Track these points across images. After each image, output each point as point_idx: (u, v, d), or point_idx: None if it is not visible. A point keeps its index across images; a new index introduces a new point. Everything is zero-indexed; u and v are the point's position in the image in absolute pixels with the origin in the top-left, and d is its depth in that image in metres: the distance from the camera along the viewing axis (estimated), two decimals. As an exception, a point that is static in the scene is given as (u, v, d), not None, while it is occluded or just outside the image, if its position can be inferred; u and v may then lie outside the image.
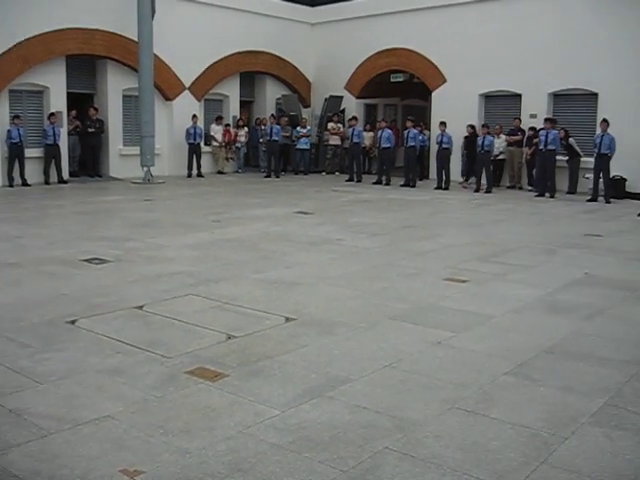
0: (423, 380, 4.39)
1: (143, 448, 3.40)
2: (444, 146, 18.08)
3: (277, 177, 20.27)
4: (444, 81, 20.19)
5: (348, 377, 4.39)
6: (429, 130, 20.34)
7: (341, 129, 21.41)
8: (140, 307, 5.99)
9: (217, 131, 20.77)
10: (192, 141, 19.71)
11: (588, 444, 3.55)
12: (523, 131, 18.11)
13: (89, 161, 18.55)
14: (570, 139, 16.85)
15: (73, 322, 5.52)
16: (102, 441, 3.47)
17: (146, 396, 4.04)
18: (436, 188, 17.86)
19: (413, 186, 18.29)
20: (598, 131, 15.84)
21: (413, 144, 18.44)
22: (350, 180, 19.52)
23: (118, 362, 4.60)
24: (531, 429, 3.71)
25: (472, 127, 18.67)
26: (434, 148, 18.97)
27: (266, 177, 20.20)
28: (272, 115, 21.57)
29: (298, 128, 21.25)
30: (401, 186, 18.21)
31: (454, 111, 19.09)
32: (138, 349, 4.85)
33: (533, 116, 18.08)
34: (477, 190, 17.31)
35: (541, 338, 5.35)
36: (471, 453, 3.41)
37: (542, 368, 4.67)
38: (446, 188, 17.78)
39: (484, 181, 17.39)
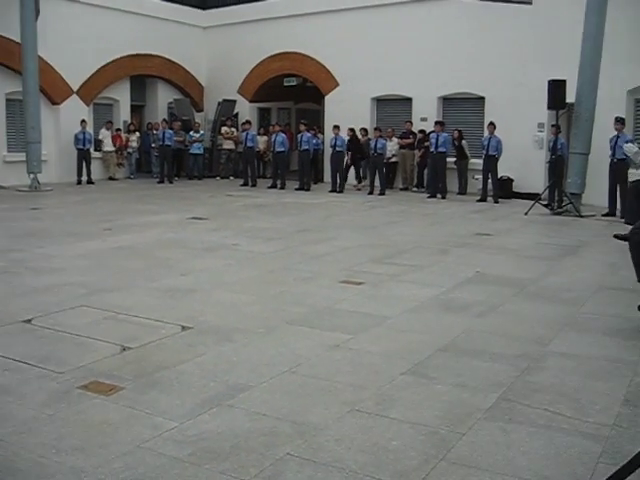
0: (322, 384, 4.39)
1: (35, 470, 3.23)
2: (338, 149, 18.25)
3: (170, 183, 19.95)
4: (337, 85, 20.42)
5: (247, 384, 4.35)
6: (323, 134, 20.52)
7: (235, 133, 21.29)
8: (28, 321, 5.73)
9: (107, 136, 20.26)
10: (81, 147, 19.10)
11: (484, 439, 3.64)
12: (415, 134, 18.52)
13: (-30, 169, 17.70)
14: (463, 141, 17.38)
15: (-45, 339, 5.23)
16: (-11, 465, 3.29)
17: (37, 415, 3.86)
18: (331, 191, 18.03)
19: (308, 189, 18.40)
20: (486, 133, 16.39)
21: (307, 147, 18.58)
22: (245, 184, 19.46)
23: (5, 380, 4.37)
24: (429, 427, 3.77)
25: (352, 130, 18.84)
26: (328, 151, 19.13)
27: (159, 183, 19.85)
28: (164, 120, 21.20)
29: (191, 133, 20.99)
30: (296, 190, 18.29)
31: (347, 115, 19.32)
32: (27, 365, 4.64)
33: (424, 119, 18.53)
34: (371, 192, 17.57)
35: (436, 337, 5.47)
36: (372, 455, 3.44)
37: (438, 366, 4.76)
38: (340, 191, 17.96)
39: (377, 183, 17.69)
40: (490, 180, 16.10)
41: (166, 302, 6.47)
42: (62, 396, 4.12)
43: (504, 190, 16.52)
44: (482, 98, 17.73)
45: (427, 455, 3.44)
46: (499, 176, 16.25)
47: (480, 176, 16.43)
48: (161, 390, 4.24)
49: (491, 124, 16.08)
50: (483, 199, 16.02)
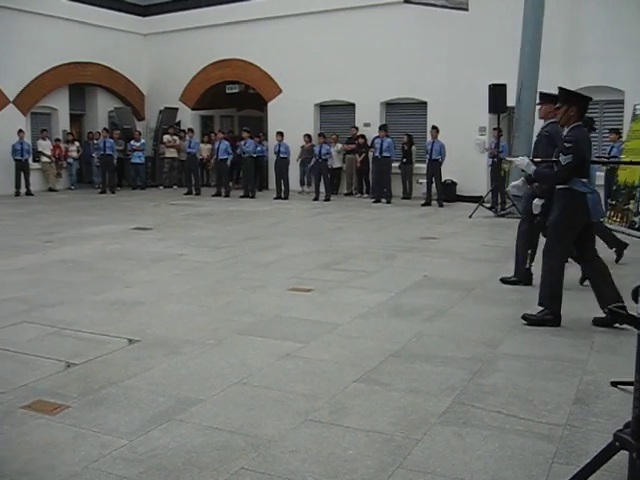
0: (274, 394, 4.32)
1: (-24, 496, 3.10)
2: (282, 156, 18.21)
3: (113, 193, 19.63)
4: (280, 91, 20.38)
5: (198, 398, 4.25)
6: (267, 140, 20.46)
7: (177, 142, 21.07)
8: (-33, 339, 5.53)
9: (45, 146, 19.83)
10: (19, 158, 18.68)
11: (440, 444, 3.62)
12: (364, 138, 18.55)
13: None
14: (413, 147, 17.51)
15: None
16: None
17: (-23, 437, 3.71)
18: (276, 198, 17.96)
19: (253, 197, 18.31)
20: (429, 138, 16.55)
21: (250, 155, 18.49)
22: (188, 193, 19.28)
23: (-57, 402, 4.20)
24: (385, 434, 3.73)
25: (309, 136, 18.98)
26: (272, 158, 19.07)
27: (101, 193, 19.52)
28: (105, 129, 20.87)
29: (132, 142, 20.70)
30: (241, 197, 18.18)
31: (290, 121, 19.31)
32: (-34, 385, 4.46)
33: (367, 125, 18.63)
34: (316, 199, 17.57)
35: (387, 342, 5.45)
36: (328, 465, 3.38)
37: (391, 372, 4.74)
38: (285, 198, 17.91)
39: (322, 189, 17.71)
40: (434, 184, 16.26)
41: (112, 315, 6.31)
42: (4, 417, 3.96)
43: (448, 194, 16.71)
44: (424, 103, 17.91)
45: (383, 463, 3.40)
46: (443, 180, 16.43)
47: (424, 180, 16.57)
48: (109, 407, 4.11)
49: (434, 128, 16.25)
50: (428, 203, 16.16)
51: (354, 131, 18.68)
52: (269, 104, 20.85)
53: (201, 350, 5.24)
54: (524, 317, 6.03)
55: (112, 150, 19.80)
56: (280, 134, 18.30)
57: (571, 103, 5.81)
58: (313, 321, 6.09)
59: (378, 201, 16.85)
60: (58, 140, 20.37)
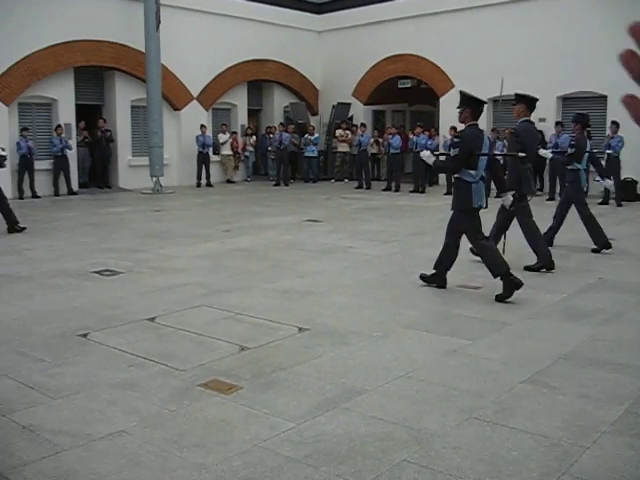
0: (439, 390, 4.33)
1: (158, 464, 3.35)
2: (454, 151, 17.94)
3: (286, 185, 20.25)
4: (452, 86, 20.14)
5: (363, 388, 4.34)
6: (438, 135, 20.29)
7: (349, 136, 21.38)
8: (152, 319, 5.95)
9: (225, 140, 20.79)
10: (201, 150, 19.73)
11: (610, 454, 3.48)
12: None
13: (98, 172, 18.60)
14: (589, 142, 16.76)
15: (85, 335, 5.48)
16: (117, 457, 3.43)
17: (160, 410, 4.00)
18: (446, 194, 17.75)
19: (423, 192, 18.24)
20: (607, 133, 15.76)
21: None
22: (359, 187, 19.49)
23: (131, 376, 4.56)
24: (551, 439, 3.64)
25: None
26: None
27: (275, 185, 20.19)
28: (281, 123, 21.59)
29: (306, 136, 21.24)
30: (411, 192, 18.17)
31: (462, 116, 18.99)
32: (151, 362, 4.81)
33: (542, 120, 17.99)
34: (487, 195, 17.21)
35: (557, 344, 5.28)
36: (491, 464, 3.35)
37: (560, 376, 4.60)
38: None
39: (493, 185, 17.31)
40: (612, 181, 15.44)
41: (283, 303, 6.56)
42: (184, 393, 4.24)
43: (628, 192, 15.81)
44: (604, 97, 17.04)
45: (548, 468, 3.33)
46: (622, 177, 15.57)
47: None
48: (278, 391, 4.30)
49: (614, 123, 15.43)
50: (605, 202, 15.39)
51: (528, 125, 18.10)
52: (441, 99, 20.67)
53: (368, 342, 5.34)
54: (421, 277, 7.20)
55: (287, 144, 20.43)
56: (453, 129, 18.07)
57: (466, 105, 7.04)
58: (481, 319, 6.02)
59: (552, 199, 16.26)
60: (235, 133, 21.28)
